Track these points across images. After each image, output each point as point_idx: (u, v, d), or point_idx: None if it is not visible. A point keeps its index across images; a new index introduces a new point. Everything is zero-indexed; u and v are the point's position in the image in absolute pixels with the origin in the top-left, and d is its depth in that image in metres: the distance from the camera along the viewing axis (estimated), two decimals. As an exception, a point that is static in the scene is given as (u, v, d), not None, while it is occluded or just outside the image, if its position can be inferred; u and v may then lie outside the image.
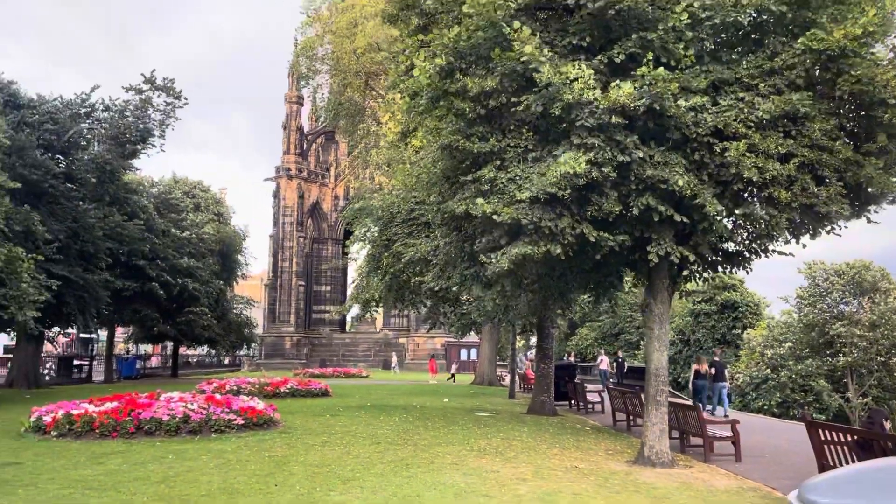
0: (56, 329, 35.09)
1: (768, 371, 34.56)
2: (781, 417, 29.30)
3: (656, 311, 12.39)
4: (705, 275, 13.24)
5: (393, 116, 21.50)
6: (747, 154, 10.27)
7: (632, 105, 10.23)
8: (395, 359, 59.63)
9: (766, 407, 33.17)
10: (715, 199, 10.57)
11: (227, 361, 65.71)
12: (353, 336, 72.91)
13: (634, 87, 10.26)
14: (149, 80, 31.22)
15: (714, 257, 12.84)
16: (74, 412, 14.21)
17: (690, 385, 23.03)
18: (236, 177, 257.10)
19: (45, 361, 36.77)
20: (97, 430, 13.71)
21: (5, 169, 22.62)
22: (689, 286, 13.98)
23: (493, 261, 10.94)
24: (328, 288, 74.60)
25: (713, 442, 13.46)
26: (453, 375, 46.19)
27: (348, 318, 74.90)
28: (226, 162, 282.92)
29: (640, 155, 10.52)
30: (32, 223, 24.20)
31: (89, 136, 30.62)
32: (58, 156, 29.32)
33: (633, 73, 10.46)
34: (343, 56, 42.07)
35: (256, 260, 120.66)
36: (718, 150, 10.50)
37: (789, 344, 34.71)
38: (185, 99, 31.98)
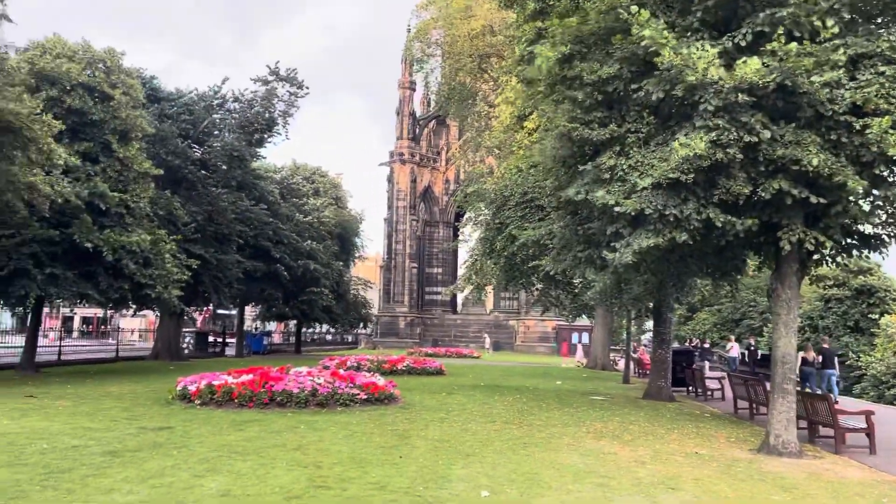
0: (193, 307, 37.60)
1: (908, 360, 32.20)
2: (922, 411, 27.30)
3: (783, 296, 11.92)
4: (838, 259, 12.58)
5: (507, 100, 21.54)
6: (890, 131, 9.66)
7: (760, 82, 9.85)
8: (488, 340, 60.32)
9: (904, 398, 30.97)
10: (857, 176, 10.00)
11: (345, 339, 68.28)
12: (464, 317, 73.84)
13: (763, 63, 9.86)
14: (273, 71, 32.78)
15: (848, 240, 12.18)
16: (216, 383, 15.37)
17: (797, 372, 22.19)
18: (351, 161, 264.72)
19: (184, 336, 39.61)
20: (235, 400, 14.79)
21: (149, 157, 24.50)
22: (821, 270, 13.34)
23: (618, 254, 10.84)
24: (440, 270, 75.80)
25: (845, 433, 12.82)
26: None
27: (459, 300, 75.95)
28: (341, 147, 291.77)
29: (769, 135, 10.12)
30: (174, 207, 26.14)
31: (221, 126, 32.57)
32: (193, 145, 31.39)
33: (760, 49, 10.05)
34: (457, 39, 42.32)
35: (372, 242, 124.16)
36: (858, 128, 9.93)
37: (932, 333, 32.19)
38: (307, 88, 33.37)
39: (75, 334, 59.67)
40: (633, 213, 10.58)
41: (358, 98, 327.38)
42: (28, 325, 24.37)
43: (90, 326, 67.90)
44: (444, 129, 76.26)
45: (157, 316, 37.57)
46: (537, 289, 28.96)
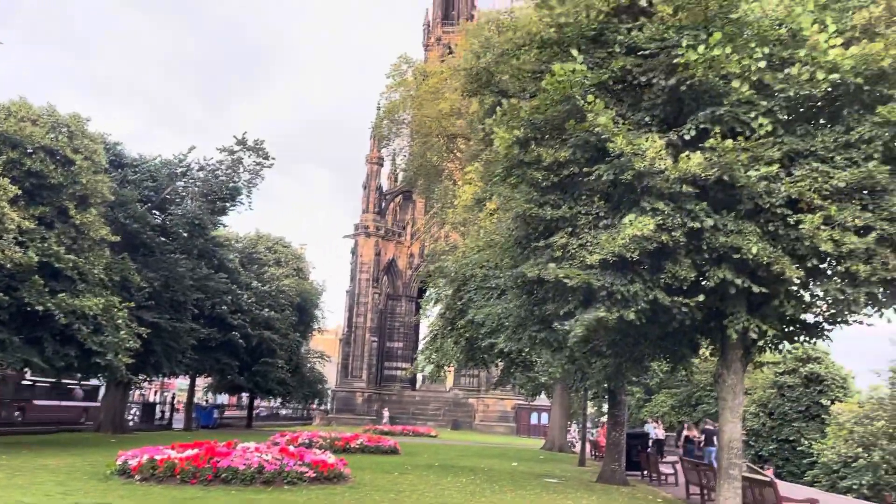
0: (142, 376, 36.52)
1: (859, 450, 32.58)
2: (872, 500, 27.52)
3: (729, 381, 12.24)
4: (780, 346, 13.01)
5: (468, 181, 22.27)
6: (823, 227, 10.23)
7: (702, 174, 10.42)
8: (386, 414, 60.57)
9: (855, 487, 31.18)
10: (794, 266, 10.48)
11: (299, 414, 66.81)
12: (423, 394, 72.91)
13: (705, 158, 10.46)
14: (241, 141, 33.11)
15: (790, 328, 12.64)
16: (158, 457, 14.90)
17: (681, 449, 26.46)
18: (316, 232, 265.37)
19: (130, 407, 38.42)
20: (178, 476, 14.32)
21: (108, 221, 24.35)
22: (766, 357, 13.74)
23: (568, 328, 11.11)
24: (400, 344, 75.21)
25: (791, 521, 12.90)
26: None
27: (419, 376, 75.26)
28: (306, 218, 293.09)
29: (712, 223, 10.62)
30: (129, 272, 25.82)
31: (184, 194, 32.62)
32: (154, 210, 31.31)
33: (702, 145, 10.68)
34: (426, 120, 43.67)
35: (332, 314, 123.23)
36: (793, 222, 10.50)
37: (882, 423, 32.70)
38: (273, 159, 33.72)
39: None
40: (582, 288, 10.89)
41: (325, 171, 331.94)
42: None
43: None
44: (410, 204, 77.19)
45: (103, 385, 36.45)
46: (498, 367, 29.04)
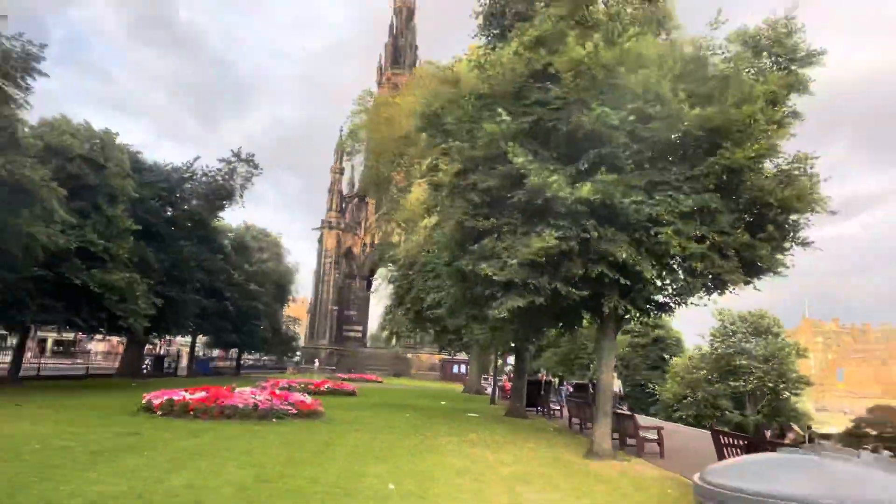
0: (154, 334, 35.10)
1: (688, 391, 34.70)
2: (696, 427, 29.40)
3: (605, 345, 12.98)
4: (641, 318, 13.86)
5: (417, 199, 22.74)
6: (674, 236, 11.01)
7: (591, 199, 11.03)
8: (316, 363, 59.28)
9: (684, 418, 33.27)
10: (651, 267, 11.26)
11: (275, 365, 65.65)
12: (372, 351, 72.86)
13: (592, 186, 11.07)
14: (236, 154, 32.27)
15: (647, 306, 13.49)
16: (175, 398, 14.64)
17: (564, 395, 30.02)
18: (288, 225, 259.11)
19: (144, 358, 36.98)
20: (191, 413, 14.10)
21: (130, 215, 23.39)
22: (630, 326, 14.57)
23: (495, 310, 11.61)
24: (355, 313, 74.85)
25: (644, 442, 13.81)
26: None
27: (368, 337, 75.28)
28: (280, 214, 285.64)
29: (597, 234, 11.27)
30: (147, 255, 24.87)
31: (190, 194, 31.50)
32: (166, 206, 30.17)
33: (592, 176, 11.31)
34: (380, 141, 43.52)
35: (303, 288, 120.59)
36: (654, 233, 11.26)
37: (704, 371, 34.90)
38: (261, 169, 33.00)
39: (47, 354, 54.12)
40: (505, 281, 11.38)
41: (294, 177, 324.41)
42: (14, 345, 22.20)
43: (61, 347, 61.70)
44: (364, 204, 76.49)
45: (120, 341, 34.94)
46: (435, 332, 29.50)
